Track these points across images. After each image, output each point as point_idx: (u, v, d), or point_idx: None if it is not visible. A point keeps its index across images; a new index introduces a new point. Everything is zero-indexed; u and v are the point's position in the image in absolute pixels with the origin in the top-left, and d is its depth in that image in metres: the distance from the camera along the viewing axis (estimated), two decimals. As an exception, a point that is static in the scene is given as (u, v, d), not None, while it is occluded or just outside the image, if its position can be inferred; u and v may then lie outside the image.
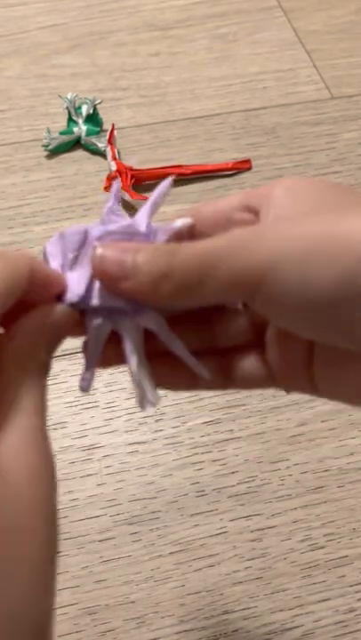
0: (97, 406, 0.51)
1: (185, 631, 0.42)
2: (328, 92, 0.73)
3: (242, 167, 0.66)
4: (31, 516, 0.19)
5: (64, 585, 0.44)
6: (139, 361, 0.23)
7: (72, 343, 0.23)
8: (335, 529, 0.46)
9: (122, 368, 0.53)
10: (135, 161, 0.66)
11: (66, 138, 0.67)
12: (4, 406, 0.20)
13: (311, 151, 0.68)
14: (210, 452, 0.49)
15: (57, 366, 0.53)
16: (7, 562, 0.18)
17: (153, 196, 0.24)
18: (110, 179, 0.64)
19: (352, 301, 0.19)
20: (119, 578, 0.44)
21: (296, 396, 0.51)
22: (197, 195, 0.64)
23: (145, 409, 0.23)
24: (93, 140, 0.67)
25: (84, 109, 0.68)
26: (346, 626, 0.43)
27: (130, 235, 0.22)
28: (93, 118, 0.69)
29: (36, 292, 0.21)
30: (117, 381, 0.52)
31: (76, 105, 0.69)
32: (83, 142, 0.68)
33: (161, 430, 0.50)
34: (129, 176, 0.63)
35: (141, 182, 0.64)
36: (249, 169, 0.66)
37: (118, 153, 0.66)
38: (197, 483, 0.48)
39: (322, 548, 0.45)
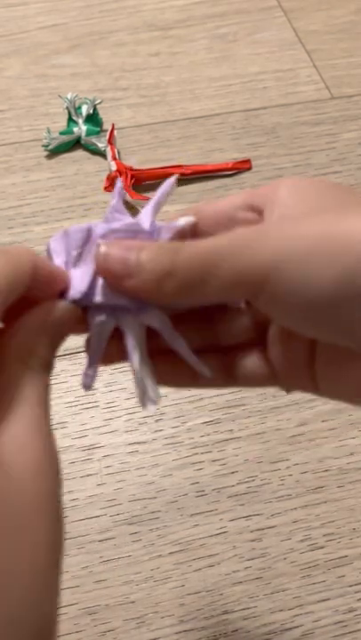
0: (97, 406, 0.51)
1: (185, 631, 0.42)
2: (328, 92, 0.73)
3: (242, 167, 0.66)
4: (34, 513, 0.19)
5: (64, 585, 0.44)
6: (141, 358, 0.23)
7: (72, 343, 0.23)
8: (335, 529, 0.46)
9: (122, 368, 0.53)
10: (135, 161, 0.66)
11: (66, 138, 0.67)
12: (7, 400, 0.20)
13: (311, 151, 0.68)
14: (210, 452, 0.49)
15: (57, 366, 0.53)
16: (7, 563, 0.18)
17: (157, 194, 0.24)
18: (110, 179, 0.64)
19: (352, 301, 0.19)
20: (119, 578, 0.44)
21: (296, 396, 0.51)
22: (197, 195, 0.64)
23: (146, 407, 0.23)
24: (93, 139, 0.67)
25: (84, 109, 0.68)
26: (345, 626, 0.43)
27: (133, 233, 0.23)
28: (93, 118, 0.69)
29: (39, 288, 0.21)
30: (117, 381, 0.52)
31: (76, 105, 0.69)
32: (83, 142, 0.68)
33: (161, 430, 0.50)
34: (129, 176, 0.63)
35: (141, 182, 0.64)
36: (249, 169, 0.66)
37: (118, 153, 0.66)
38: (197, 483, 0.48)
39: (322, 547, 0.45)
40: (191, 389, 0.52)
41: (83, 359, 0.53)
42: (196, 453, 0.49)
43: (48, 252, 0.23)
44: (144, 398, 0.23)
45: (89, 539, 0.45)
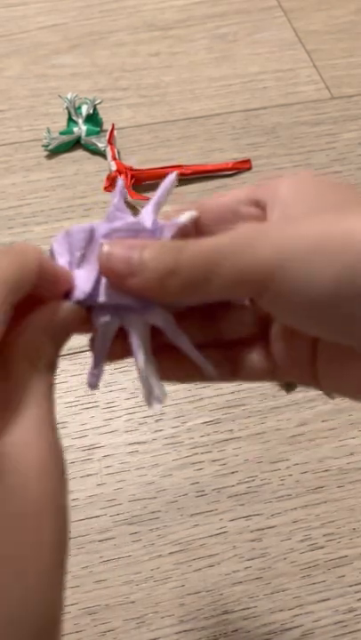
0: (97, 406, 0.51)
1: (185, 631, 0.42)
2: (328, 92, 0.73)
3: (242, 167, 0.66)
4: (39, 513, 0.18)
5: (64, 585, 0.44)
6: (146, 357, 0.23)
7: (72, 343, 0.23)
8: (335, 529, 0.46)
9: (122, 368, 0.53)
10: (135, 161, 0.66)
11: (66, 138, 0.67)
12: (13, 399, 0.20)
13: (311, 151, 0.68)
14: (210, 452, 0.49)
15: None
16: (9, 563, 0.17)
17: (158, 192, 0.24)
18: (110, 179, 0.64)
19: (352, 300, 0.19)
20: (119, 578, 0.44)
21: (296, 396, 0.51)
22: (197, 195, 0.64)
23: (152, 405, 0.23)
24: (93, 140, 0.67)
25: (84, 109, 0.68)
26: (345, 626, 0.43)
27: (136, 232, 0.23)
28: (93, 118, 0.69)
29: (45, 287, 0.21)
30: (117, 381, 0.52)
31: (76, 105, 0.69)
32: (83, 142, 0.68)
33: (161, 430, 0.50)
34: (129, 176, 0.63)
35: (141, 182, 0.64)
36: (249, 169, 0.66)
37: (118, 153, 0.66)
38: (197, 483, 0.48)
39: (322, 547, 0.45)
40: (191, 388, 0.52)
41: (83, 359, 0.53)
42: (196, 453, 0.49)
43: (51, 253, 0.23)
44: (150, 397, 0.23)
45: (89, 539, 0.45)
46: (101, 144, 0.66)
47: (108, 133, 0.66)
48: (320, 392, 0.48)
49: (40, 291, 0.21)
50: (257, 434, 0.50)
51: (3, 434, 0.19)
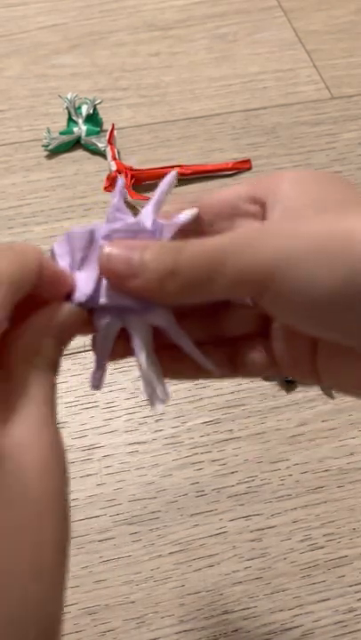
0: (97, 406, 0.51)
1: (185, 631, 0.42)
2: (328, 92, 0.73)
3: (242, 167, 0.66)
4: (41, 513, 0.18)
5: (64, 585, 0.44)
6: (148, 358, 0.23)
7: (72, 343, 0.23)
8: (335, 529, 0.46)
9: (122, 368, 0.53)
10: (135, 161, 0.66)
11: (66, 138, 0.67)
12: (14, 399, 0.20)
13: (311, 151, 0.68)
14: (209, 452, 0.49)
15: (57, 366, 0.53)
16: (9, 563, 0.17)
17: (157, 191, 0.24)
18: (110, 179, 0.64)
19: (353, 300, 0.19)
20: (119, 578, 0.44)
21: (296, 396, 0.51)
22: (197, 195, 0.64)
23: (155, 406, 0.23)
24: (93, 140, 0.67)
25: (84, 109, 0.68)
26: (345, 626, 0.43)
27: (136, 232, 0.23)
28: (93, 118, 0.69)
29: (45, 288, 0.21)
30: (117, 381, 0.52)
31: (76, 105, 0.69)
32: (83, 142, 0.68)
33: (161, 430, 0.50)
34: (129, 176, 0.63)
35: (141, 182, 0.64)
36: (249, 169, 0.66)
37: (118, 153, 0.66)
38: (197, 483, 0.48)
39: (322, 547, 0.45)
40: (191, 388, 0.52)
41: (83, 359, 0.53)
42: (196, 453, 0.49)
43: (52, 255, 0.23)
44: (152, 398, 0.23)
45: (89, 539, 0.45)
46: (101, 144, 0.66)
47: (108, 133, 0.66)
48: (320, 392, 0.48)
49: (41, 292, 0.21)
50: (257, 434, 0.50)
51: (4, 434, 0.19)
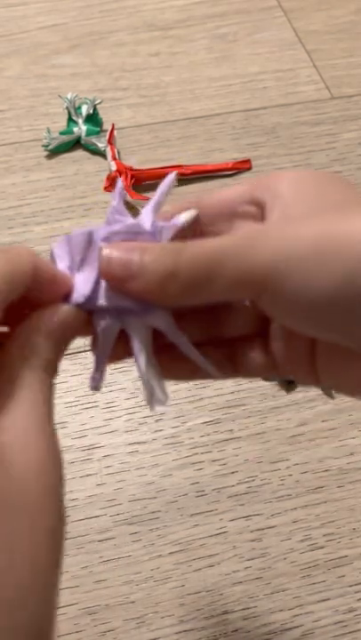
0: (97, 406, 0.51)
1: (185, 631, 0.42)
2: (328, 92, 0.73)
3: (242, 167, 0.66)
4: (36, 513, 0.18)
5: (64, 585, 0.44)
6: (147, 360, 0.23)
7: (72, 343, 0.23)
8: (335, 529, 0.46)
9: (122, 368, 0.53)
10: (135, 161, 0.66)
11: (66, 138, 0.67)
12: (10, 400, 0.20)
13: (311, 151, 0.68)
14: (210, 452, 0.49)
15: (57, 366, 0.53)
16: (4, 563, 0.17)
17: (157, 193, 0.24)
18: (110, 179, 0.64)
19: (352, 301, 0.19)
20: (119, 578, 0.44)
21: (296, 396, 0.51)
22: (197, 195, 0.64)
23: (154, 408, 0.23)
24: (93, 140, 0.67)
25: (84, 109, 0.68)
26: (345, 626, 0.43)
27: (135, 234, 0.22)
28: (93, 118, 0.69)
29: (41, 289, 0.21)
30: (117, 381, 0.52)
31: (76, 105, 0.69)
32: (83, 142, 0.68)
33: (161, 430, 0.50)
34: (129, 176, 0.63)
35: (141, 182, 0.64)
36: (249, 169, 0.66)
37: (118, 153, 0.66)
38: (197, 483, 0.48)
39: (322, 547, 0.45)
40: (191, 388, 0.52)
41: (83, 359, 0.53)
42: (196, 453, 0.49)
43: (52, 257, 0.23)
44: (152, 400, 0.23)
45: (89, 539, 0.45)
46: (101, 144, 0.66)
47: (108, 133, 0.66)
48: (320, 392, 0.48)
49: (38, 294, 0.21)
50: (257, 434, 0.50)
51: None
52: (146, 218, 0.23)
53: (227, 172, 0.66)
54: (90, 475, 0.48)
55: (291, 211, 0.22)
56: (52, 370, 0.21)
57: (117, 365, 0.23)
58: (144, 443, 0.49)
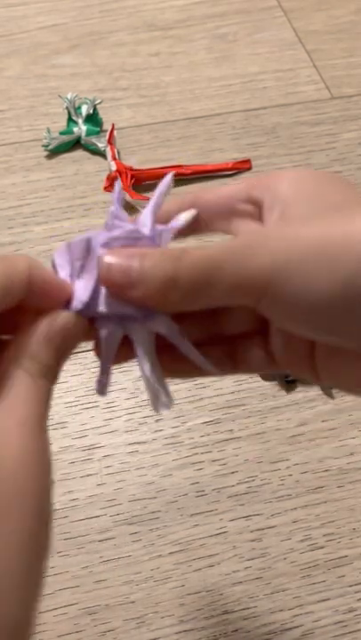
0: (97, 406, 0.51)
1: (185, 631, 0.42)
2: (328, 92, 0.73)
3: (242, 167, 0.66)
4: (9, 513, 0.18)
5: (64, 585, 0.44)
6: (152, 365, 0.23)
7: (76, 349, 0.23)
8: (335, 529, 0.46)
9: (122, 368, 0.53)
10: (135, 161, 0.66)
11: (66, 138, 0.67)
12: (1, 402, 0.20)
13: (311, 151, 0.68)
14: (210, 452, 0.49)
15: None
16: None
17: (154, 196, 0.24)
18: (110, 179, 0.64)
19: (352, 302, 0.19)
20: (119, 578, 0.44)
21: (296, 396, 0.51)
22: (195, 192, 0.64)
23: (159, 411, 0.23)
24: (93, 140, 0.67)
25: (84, 109, 0.68)
26: (345, 626, 0.43)
27: (135, 239, 0.22)
28: (93, 118, 0.69)
29: (39, 297, 0.21)
30: (117, 381, 0.52)
31: (76, 105, 0.69)
32: (83, 142, 0.68)
33: (161, 430, 0.50)
34: (129, 176, 0.63)
35: (141, 182, 0.64)
36: (249, 169, 0.66)
37: (118, 153, 0.66)
38: (197, 483, 0.48)
39: (322, 547, 0.45)
40: (191, 388, 0.52)
41: (83, 359, 0.53)
42: (196, 453, 0.49)
43: (53, 266, 0.23)
44: (157, 403, 0.23)
45: (89, 539, 0.45)
46: (101, 144, 0.66)
47: (108, 133, 0.66)
48: (320, 392, 0.48)
49: (37, 302, 0.21)
50: (257, 434, 0.50)
51: None
52: (145, 222, 0.23)
53: (227, 172, 0.66)
54: (90, 475, 0.48)
55: (290, 211, 0.22)
56: (50, 375, 0.21)
57: (118, 365, 0.23)
58: (144, 443, 0.50)
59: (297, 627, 0.43)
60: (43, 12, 0.82)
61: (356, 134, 0.69)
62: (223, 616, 0.43)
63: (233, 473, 0.48)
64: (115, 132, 0.67)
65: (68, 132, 0.68)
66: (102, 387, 0.23)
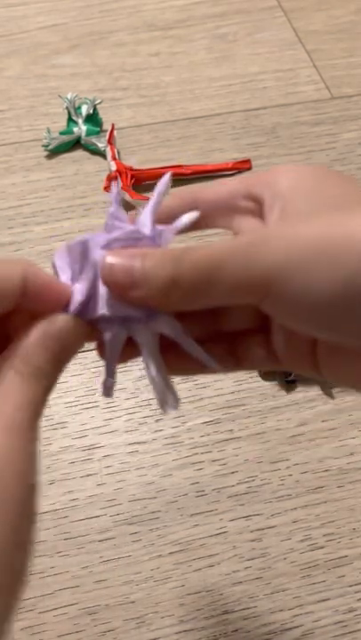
0: (97, 406, 0.51)
1: (185, 631, 0.42)
2: (328, 92, 0.73)
3: (242, 167, 0.66)
4: None
5: (64, 585, 0.44)
6: (157, 367, 0.23)
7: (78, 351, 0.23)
8: (335, 529, 0.46)
9: (122, 368, 0.53)
10: (135, 161, 0.66)
11: (66, 138, 0.67)
12: None
13: (311, 151, 0.68)
14: (210, 452, 0.49)
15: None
16: None
17: (153, 196, 0.24)
18: (110, 179, 0.64)
19: (353, 301, 0.19)
20: (119, 578, 0.44)
21: (296, 396, 0.51)
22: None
23: (166, 412, 0.23)
24: (93, 140, 0.67)
25: (84, 109, 0.68)
26: (345, 626, 0.43)
27: (135, 240, 0.22)
28: (93, 118, 0.69)
29: (35, 301, 0.21)
30: (118, 381, 0.52)
31: (76, 105, 0.69)
32: (83, 142, 0.68)
33: (161, 430, 0.50)
34: (129, 176, 0.63)
35: (141, 182, 0.64)
36: (249, 169, 0.66)
37: (118, 153, 0.66)
38: (197, 483, 0.48)
39: (322, 547, 0.45)
40: (192, 388, 0.52)
41: (83, 359, 0.53)
42: (196, 453, 0.49)
43: (54, 269, 0.23)
44: (164, 404, 0.23)
45: (89, 539, 0.45)
46: (101, 144, 0.66)
47: (108, 133, 0.66)
48: (320, 392, 0.48)
49: (35, 306, 0.21)
50: (257, 434, 0.50)
51: None
52: (145, 222, 0.23)
53: (227, 172, 0.66)
54: (90, 475, 0.48)
55: (291, 207, 0.22)
56: (44, 378, 0.21)
57: (120, 365, 0.23)
58: (144, 443, 0.50)
59: (297, 627, 0.43)
60: (43, 12, 0.82)
61: (357, 134, 0.69)
62: (223, 616, 0.43)
63: (233, 473, 0.48)
64: (115, 132, 0.67)
65: (68, 132, 0.68)
66: (108, 389, 0.23)
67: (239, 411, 0.51)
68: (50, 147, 0.67)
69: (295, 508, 0.47)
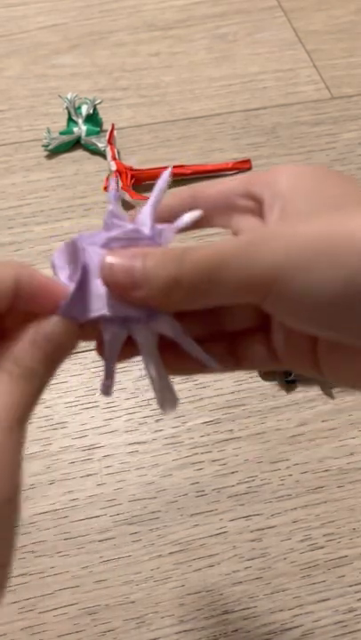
0: (97, 406, 0.51)
1: (185, 631, 0.42)
2: (328, 92, 0.73)
3: (242, 167, 0.66)
4: None
5: (64, 585, 0.44)
6: (157, 367, 0.23)
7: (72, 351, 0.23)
8: (335, 529, 0.46)
9: (122, 368, 0.53)
10: (135, 161, 0.66)
11: (66, 138, 0.67)
12: None
13: (311, 151, 0.68)
14: (210, 452, 0.49)
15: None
16: None
17: (153, 194, 0.24)
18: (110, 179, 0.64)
19: (353, 300, 0.19)
20: (119, 578, 0.44)
21: (296, 396, 0.51)
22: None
23: (166, 411, 0.23)
24: (93, 140, 0.67)
25: (84, 109, 0.68)
26: (345, 626, 0.43)
27: (135, 239, 0.22)
28: (93, 118, 0.69)
29: (28, 303, 0.21)
30: (118, 381, 0.52)
31: (76, 105, 0.69)
32: (83, 142, 0.68)
33: (161, 430, 0.50)
34: (129, 176, 0.63)
35: (141, 182, 0.64)
36: (249, 169, 0.66)
37: (118, 153, 0.66)
38: (197, 483, 0.48)
39: (322, 547, 0.45)
40: (192, 388, 0.52)
41: (83, 359, 0.53)
42: (196, 453, 0.49)
43: (53, 268, 0.23)
44: (163, 404, 0.23)
45: (89, 539, 0.45)
46: (101, 144, 0.66)
47: (108, 133, 0.66)
48: (320, 392, 0.48)
49: (29, 307, 0.21)
50: (257, 434, 0.50)
51: None
52: (145, 221, 0.23)
53: (227, 172, 0.66)
54: (90, 475, 0.48)
55: (290, 207, 0.22)
56: (34, 378, 0.21)
57: (118, 365, 0.23)
58: (144, 443, 0.50)
59: (297, 627, 0.43)
60: (43, 12, 0.82)
61: (357, 134, 0.69)
62: (223, 616, 0.43)
63: (233, 473, 0.48)
64: (115, 132, 0.67)
65: (68, 132, 0.68)
66: (107, 388, 0.23)
67: (239, 411, 0.51)
68: (50, 147, 0.67)
69: (295, 508, 0.47)
